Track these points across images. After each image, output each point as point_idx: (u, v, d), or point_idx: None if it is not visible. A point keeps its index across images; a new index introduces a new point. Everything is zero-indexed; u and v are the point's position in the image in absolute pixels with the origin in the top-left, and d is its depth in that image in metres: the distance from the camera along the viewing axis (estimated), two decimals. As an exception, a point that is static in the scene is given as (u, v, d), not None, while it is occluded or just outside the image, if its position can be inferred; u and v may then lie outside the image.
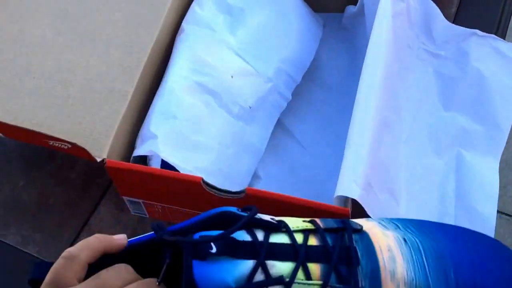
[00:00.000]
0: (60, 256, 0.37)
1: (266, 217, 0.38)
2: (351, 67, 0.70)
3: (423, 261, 0.37)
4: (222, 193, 0.51)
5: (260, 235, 0.36)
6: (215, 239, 0.34)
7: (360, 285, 0.35)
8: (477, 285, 0.36)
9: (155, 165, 0.56)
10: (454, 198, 0.60)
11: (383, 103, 0.56)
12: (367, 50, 0.56)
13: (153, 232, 0.39)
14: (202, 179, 0.51)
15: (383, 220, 0.42)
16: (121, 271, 0.36)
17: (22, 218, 0.63)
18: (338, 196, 0.49)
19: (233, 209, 0.37)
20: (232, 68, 0.61)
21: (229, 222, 0.36)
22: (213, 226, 0.37)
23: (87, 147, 0.52)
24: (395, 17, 0.60)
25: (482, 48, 0.66)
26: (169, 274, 0.37)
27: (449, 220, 0.60)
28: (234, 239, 0.35)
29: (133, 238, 0.41)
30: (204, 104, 0.59)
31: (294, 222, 0.38)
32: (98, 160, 0.52)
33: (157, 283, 0.36)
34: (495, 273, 0.36)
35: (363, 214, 0.49)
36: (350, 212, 0.48)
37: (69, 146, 0.52)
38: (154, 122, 0.56)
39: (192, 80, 0.59)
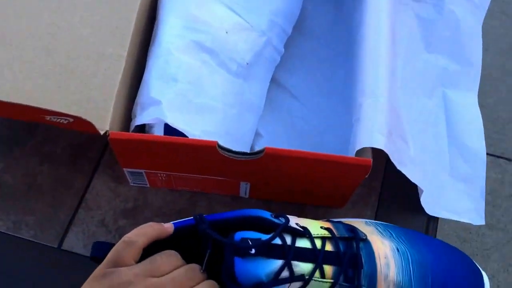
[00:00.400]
0: (121, 240, 0.42)
1: (292, 223, 0.45)
2: (336, 14, 0.68)
3: (410, 268, 0.46)
4: (240, 156, 0.49)
5: (288, 240, 0.44)
6: (256, 244, 0.42)
7: (361, 284, 0.44)
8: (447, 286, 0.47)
9: (158, 132, 0.53)
10: (446, 136, 0.63)
11: (390, 51, 0.55)
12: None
13: (191, 218, 0.46)
14: (218, 143, 0.48)
15: (379, 226, 0.50)
16: (171, 257, 0.41)
17: (10, 203, 0.58)
18: (360, 148, 0.48)
19: (267, 214, 0.45)
20: (226, 23, 0.58)
21: (262, 224, 0.45)
22: (247, 225, 0.44)
23: (93, 120, 0.48)
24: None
25: None
26: (209, 260, 0.43)
27: (445, 158, 0.62)
28: (268, 242, 0.42)
29: (175, 222, 0.46)
30: (202, 64, 0.55)
31: (315, 229, 0.46)
32: (102, 132, 0.49)
33: (202, 271, 0.42)
34: (461, 279, 0.48)
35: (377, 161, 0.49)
36: (371, 162, 0.48)
37: (71, 120, 0.48)
38: (155, 87, 0.52)
39: (189, 38, 0.55)
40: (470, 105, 0.65)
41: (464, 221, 0.60)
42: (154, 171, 0.55)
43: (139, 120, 0.52)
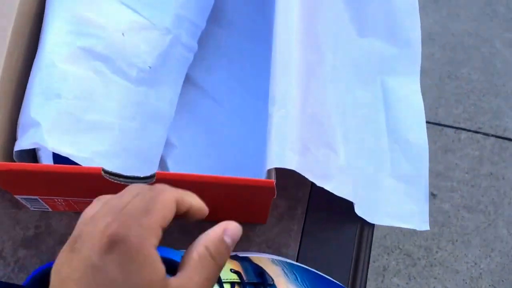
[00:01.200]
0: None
1: None
2: (258, 2, 0.61)
3: None
4: (128, 180, 0.43)
5: None
6: None
7: None
8: None
9: (45, 157, 0.47)
10: (386, 131, 0.57)
11: (304, 47, 0.49)
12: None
13: None
14: (103, 169, 0.42)
15: (286, 267, 0.48)
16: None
17: None
18: (270, 168, 0.42)
19: (177, 256, 0.36)
20: (122, 24, 0.51)
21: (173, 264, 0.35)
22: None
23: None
24: None
25: None
26: None
27: (385, 157, 0.57)
28: None
29: None
30: (94, 73, 0.49)
31: (224, 273, 0.43)
32: (-29, 163, 0.43)
33: None
34: None
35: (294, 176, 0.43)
36: (275, 184, 0.42)
37: None
38: (35, 105, 0.46)
39: (76, 45, 0.49)
40: (412, 92, 0.59)
41: (408, 227, 0.55)
42: (49, 197, 0.49)
43: (18, 145, 0.46)
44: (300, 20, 0.49)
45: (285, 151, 0.43)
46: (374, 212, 0.54)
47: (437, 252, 1.16)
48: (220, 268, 0.32)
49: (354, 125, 0.57)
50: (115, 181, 0.43)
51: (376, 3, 0.60)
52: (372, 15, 0.60)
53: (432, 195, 1.20)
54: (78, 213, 0.52)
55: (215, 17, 0.59)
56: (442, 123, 1.23)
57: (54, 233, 0.53)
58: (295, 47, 0.48)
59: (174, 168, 0.54)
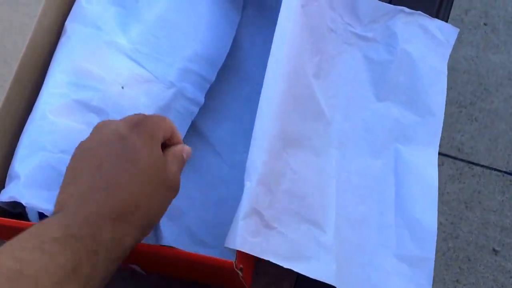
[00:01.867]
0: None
1: None
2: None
3: None
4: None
5: None
6: None
7: None
8: None
9: (32, 211, 0.48)
10: (393, 206, 0.53)
11: (303, 110, 0.46)
12: (271, 51, 0.46)
13: None
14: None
15: None
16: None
17: None
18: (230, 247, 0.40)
19: None
20: (122, 77, 0.51)
21: None
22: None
23: None
24: (308, 3, 0.49)
25: (410, 27, 0.57)
26: None
27: (390, 234, 0.52)
28: None
29: None
30: (86, 126, 0.49)
31: None
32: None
33: None
34: None
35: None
36: (234, 265, 0.40)
37: None
38: (19, 157, 0.47)
39: (71, 97, 0.49)
40: (427, 164, 0.54)
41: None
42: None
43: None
44: (288, 86, 0.46)
45: (241, 231, 0.41)
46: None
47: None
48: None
49: (357, 196, 0.53)
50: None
51: (399, 65, 0.56)
52: (393, 77, 0.56)
53: (494, 251, 1.10)
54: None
55: (228, 66, 0.57)
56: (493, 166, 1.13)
57: None
58: (282, 112, 0.45)
59: (167, 223, 0.53)
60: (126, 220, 0.36)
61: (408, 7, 0.56)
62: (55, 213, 0.37)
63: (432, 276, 0.51)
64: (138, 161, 0.38)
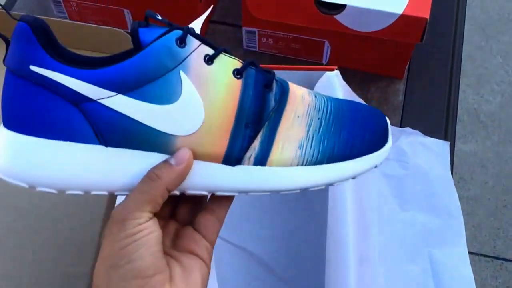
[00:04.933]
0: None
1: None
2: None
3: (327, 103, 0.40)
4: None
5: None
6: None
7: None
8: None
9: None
10: None
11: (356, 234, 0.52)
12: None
13: None
14: None
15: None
16: None
17: None
18: None
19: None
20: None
21: None
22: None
23: None
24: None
25: (414, 145, 0.66)
26: None
27: None
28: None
29: None
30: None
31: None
32: None
33: None
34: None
35: None
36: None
37: None
38: None
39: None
40: (461, 263, 0.59)
41: None
42: None
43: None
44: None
45: None
46: None
47: None
48: (165, 183, 0.34)
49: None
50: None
51: (414, 177, 0.63)
52: (411, 189, 0.63)
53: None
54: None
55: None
56: (502, 256, 1.21)
57: None
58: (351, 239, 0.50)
59: None
60: None
61: (420, 130, 0.66)
62: None
63: None
64: None
